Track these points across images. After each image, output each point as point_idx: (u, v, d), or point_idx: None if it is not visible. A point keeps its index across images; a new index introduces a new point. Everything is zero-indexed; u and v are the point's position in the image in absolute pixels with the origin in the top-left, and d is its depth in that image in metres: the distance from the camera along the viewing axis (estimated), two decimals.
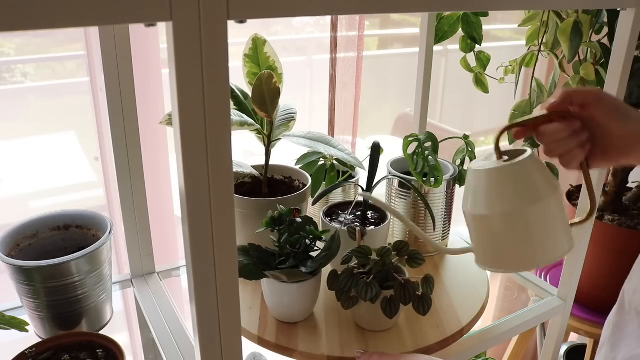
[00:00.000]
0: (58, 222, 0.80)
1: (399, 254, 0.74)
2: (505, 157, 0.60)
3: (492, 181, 0.59)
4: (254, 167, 0.88)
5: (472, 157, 0.97)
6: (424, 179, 0.87)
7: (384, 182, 0.93)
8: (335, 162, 0.95)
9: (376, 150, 0.85)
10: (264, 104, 0.78)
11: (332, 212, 0.89)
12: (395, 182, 0.92)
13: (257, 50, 0.82)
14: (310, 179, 0.89)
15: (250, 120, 0.80)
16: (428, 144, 0.89)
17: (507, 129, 0.61)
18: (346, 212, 0.88)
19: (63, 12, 0.32)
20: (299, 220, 0.73)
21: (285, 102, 0.86)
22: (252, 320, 0.75)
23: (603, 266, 1.08)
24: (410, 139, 0.90)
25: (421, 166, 0.86)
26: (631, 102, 0.96)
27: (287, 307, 0.73)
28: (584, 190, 0.81)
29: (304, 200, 0.86)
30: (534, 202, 0.57)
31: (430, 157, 0.87)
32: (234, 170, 0.82)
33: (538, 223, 0.57)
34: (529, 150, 0.59)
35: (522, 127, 0.61)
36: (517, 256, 0.60)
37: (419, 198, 0.89)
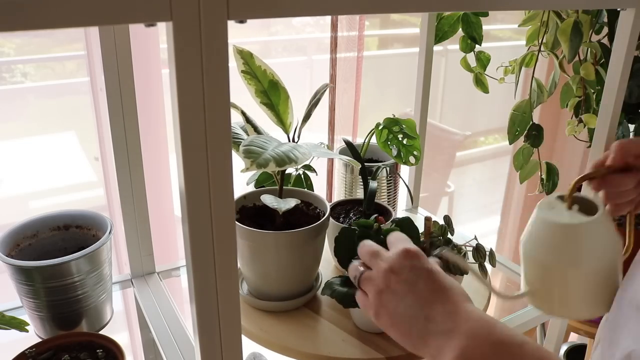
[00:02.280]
0: (58, 222, 0.80)
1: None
2: (576, 206, 0.61)
3: (570, 235, 0.59)
4: (266, 190, 0.80)
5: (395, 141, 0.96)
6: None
7: (337, 175, 0.93)
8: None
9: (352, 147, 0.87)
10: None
11: (337, 211, 0.89)
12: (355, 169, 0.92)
13: (250, 65, 0.74)
14: (327, 205, 0.79)
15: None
16: (395, 128, 0.94)
17: (581, 180, 0.63)
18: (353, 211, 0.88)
19: (63, 12, 0.32)
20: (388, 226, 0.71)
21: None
22: None
23: None
24: (380, 128, 0.95)
25: (397, 150, 0.92)
26: (631, 102, 0.96)
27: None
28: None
29: (324, 230, 0.77)
30: (600, 262, 0.58)
31: (405, 139, 0.92)
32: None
33: (599, 280, 0.59)
34: (601, 206, 0.60)
35: (597, 180, 0.65)
36: (570, 307, 0.62)
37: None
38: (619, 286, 0.60)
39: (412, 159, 0.93)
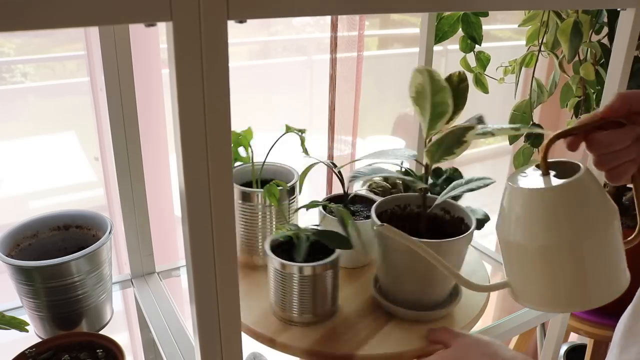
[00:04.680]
0: (58, 222, 0.80)
1: None
2: (553, 172, 0.51)
3: (542, 205, 0.49)
4: (410, 195, 0.80)
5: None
6: None
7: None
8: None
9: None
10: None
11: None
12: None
13: None
14: (474, 218, 0.74)
15: None
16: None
17: (557, 138, 0.52)
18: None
19: (63, 12, 0.32)
20: None
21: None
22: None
23: None
24: None
25: None
26: None
27: None
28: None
29: (468, 244, 0.74)
30: (592, 231, 0.48)
31: None
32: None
33: (596, 256, 0.49)
34: (582, 166, 0.50)
35: (575, 137, 0.53)
36: (566, 296, 0.50)
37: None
38: (621, 273, 0.51)
39: None
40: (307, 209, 0.83)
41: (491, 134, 0.62)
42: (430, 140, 0.69)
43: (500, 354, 0.61)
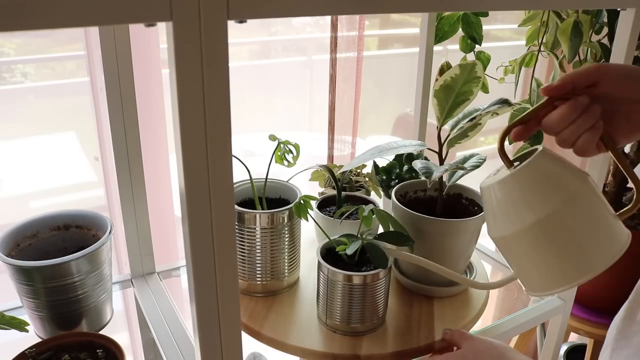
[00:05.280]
0: (58, 222, 0.80)
1: None
2: (517, 163, 0.54)
3: (510, 192, 0.52)
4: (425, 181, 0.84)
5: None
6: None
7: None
8: None
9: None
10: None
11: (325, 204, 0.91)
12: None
13: None
14: None
15: None
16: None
17: (509, 130, 0.55)
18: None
19: (63, 12, 0.32)
20: None
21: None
22: None
23: None
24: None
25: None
26: None
27: None
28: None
29: (480, 225, 0.78)
30: (567, 200, 0.49)
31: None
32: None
33: (580, 222, 0.50)
34: (540, 146, 0.53)
35: (524, 125, 0.55)
36: (570, 269, 0.51)
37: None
38: (618, 232, 0.51)
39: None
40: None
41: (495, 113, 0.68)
42: (440, 129, 0.74)
43: (508, 357, 0.62)
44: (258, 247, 0.76)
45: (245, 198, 0.83)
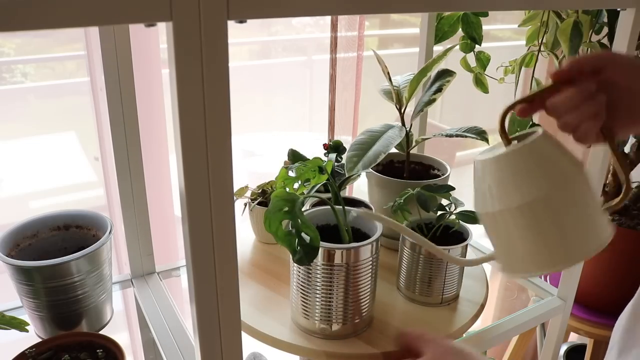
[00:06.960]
0: (58, 222, 0.80)
1: None
2: (515, 142, 0.53)
3: (505, 169, 0.51)
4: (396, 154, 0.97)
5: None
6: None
7: None
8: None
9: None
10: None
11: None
12: None
13: None
14: (449, 168, 0.94)
15: None
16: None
17: (512, 107, 0.54)
18: None
19: (63, 12, 0.32)
20: None
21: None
22: None
23: (603, 266, 1.08)
24: None
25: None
26: None
27: None
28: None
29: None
30: (561, 186, 0.49)
31: None
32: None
33: (569, 210, 0.50)
34: (540, 129, 0.52)
35: (529, 104, 0.54)
36: (550, 254, 0.51)
37: None
38: (602, 227, 0.51)
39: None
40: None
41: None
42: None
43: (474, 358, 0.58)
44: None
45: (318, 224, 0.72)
